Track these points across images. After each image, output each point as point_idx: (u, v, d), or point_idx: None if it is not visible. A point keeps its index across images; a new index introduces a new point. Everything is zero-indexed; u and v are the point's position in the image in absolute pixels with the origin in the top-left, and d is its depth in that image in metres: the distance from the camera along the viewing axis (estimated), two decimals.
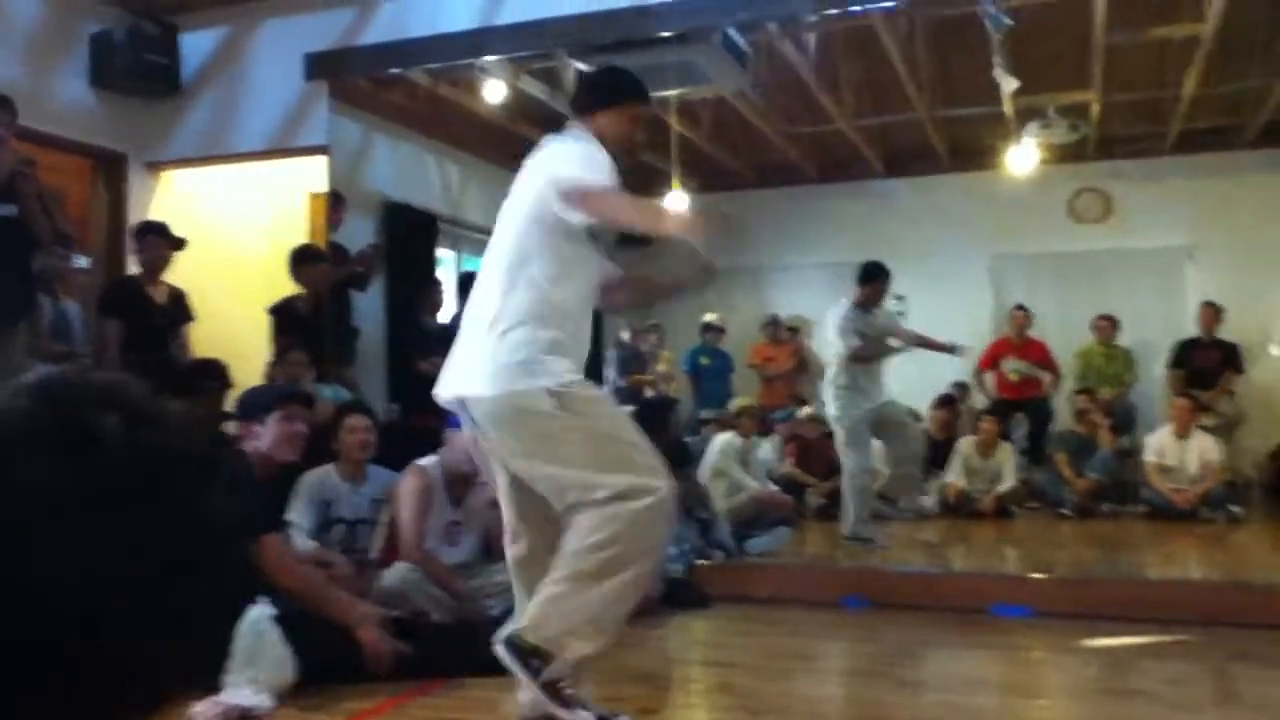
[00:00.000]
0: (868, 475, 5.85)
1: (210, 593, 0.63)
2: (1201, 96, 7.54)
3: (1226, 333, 8.04)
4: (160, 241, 5.30)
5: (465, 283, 7.12)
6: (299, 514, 3.89)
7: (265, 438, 3.33)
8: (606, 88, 2.91)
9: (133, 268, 5.61)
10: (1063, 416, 8.13)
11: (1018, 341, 8.36)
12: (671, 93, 6.46)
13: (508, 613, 3.47)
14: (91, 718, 0.59)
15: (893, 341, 5.96)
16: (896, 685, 3.55)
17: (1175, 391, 7.72)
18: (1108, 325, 8.36)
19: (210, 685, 2.88)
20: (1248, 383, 8.04)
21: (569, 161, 2.67)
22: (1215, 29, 6.27)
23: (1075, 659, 3.86)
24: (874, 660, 3.89)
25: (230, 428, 3.46)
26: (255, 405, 3.42)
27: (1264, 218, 8.45)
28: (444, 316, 6.80)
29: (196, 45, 6.10)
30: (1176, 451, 7.09)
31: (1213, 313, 8.02)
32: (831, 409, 5.82)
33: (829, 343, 5.82)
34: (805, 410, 7.78)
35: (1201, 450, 7.03)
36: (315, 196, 6.12)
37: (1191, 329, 8.14)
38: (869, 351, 5.74)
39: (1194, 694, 3.38)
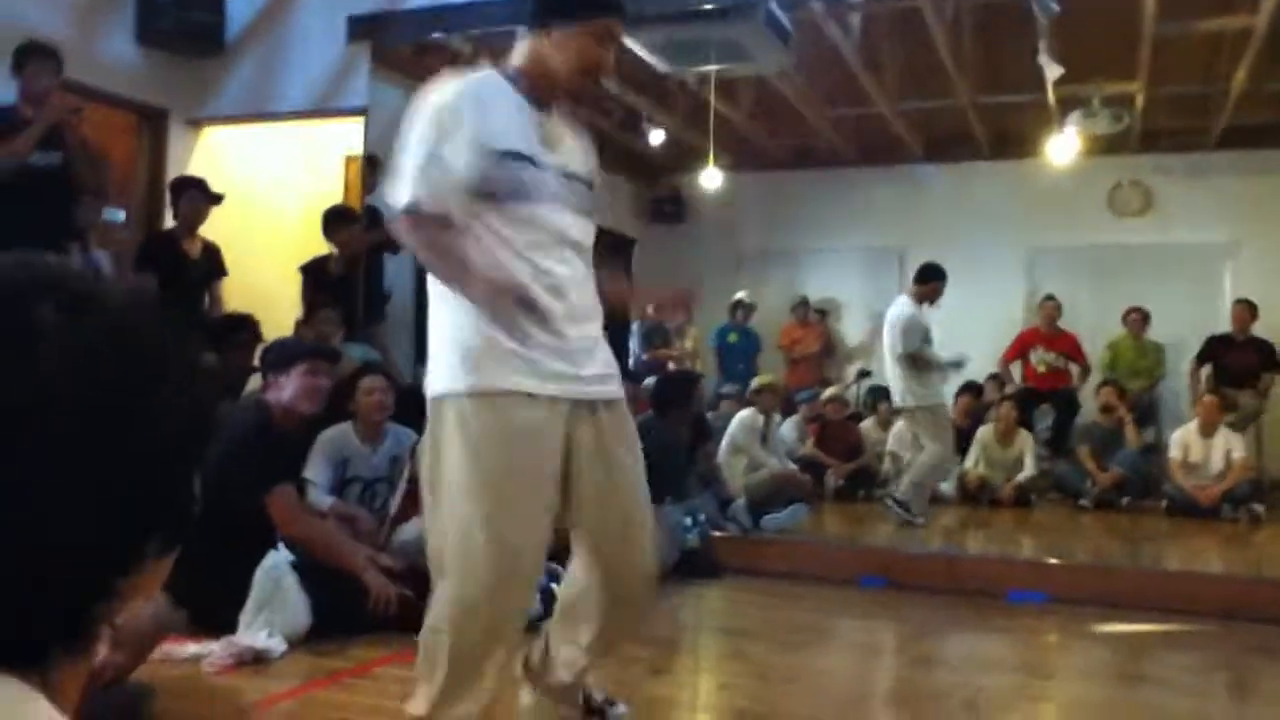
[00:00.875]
0: (947, 465, 6.18)
1: (163, 490, 0.61)
2: (1250, 91, 7.42)
3: (1261, 333, 7.94)
4: (198, 196, 5.37)
5: None
6: (315, 471, 3.93)
7: (287, 390, 3.37)
8: None
9: (170, 222, 5.68)
10: (1089, 408, 8.07)
11: (1047, 332, 8.29)
12: (712, 68, 6.44)
13: None
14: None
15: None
16: (910, 661, 3.57)
17: (1205, 389, 7.63)
18: (1139, 318, 8.28)
19: (225, 626, 2.94)
20: (1275, 383, 7.93)
21: (399, 149, 2.10)
22: (1269, 22, 6.17)
23: (1089, 644, 3.85)
24: (888, 637, 3.90)
25: (255, 380, 3.50)
26: (280, 358, 3.46)
27: None
28: None
29: (242, 4, 6.16)
30: (1201, 448, 7.02)
31: (1247, 311, 7.91)
32: (911, 398, 5.98)
33: (893, 340, 5.96)
34: (829, 391, 7.78)
35: (1226, 448, 6.96)
36: (352, 159, 6.17)
37: (1226, 327, 8.03)
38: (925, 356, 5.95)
39: (1206, 682, 3.37)
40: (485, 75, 2.16)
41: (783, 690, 2.77)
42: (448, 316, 2.09)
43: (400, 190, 2.05)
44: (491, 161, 2.05)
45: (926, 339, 5.95)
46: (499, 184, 2.06)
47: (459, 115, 2.06)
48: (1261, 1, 6.00)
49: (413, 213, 2.05)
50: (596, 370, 2.16)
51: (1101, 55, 6.96)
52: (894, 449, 7.55)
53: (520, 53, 2.18)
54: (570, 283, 2.13)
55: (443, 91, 2.10)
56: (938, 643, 3.88)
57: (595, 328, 2.21)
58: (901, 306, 6.00)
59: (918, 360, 5.87)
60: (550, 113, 2.20)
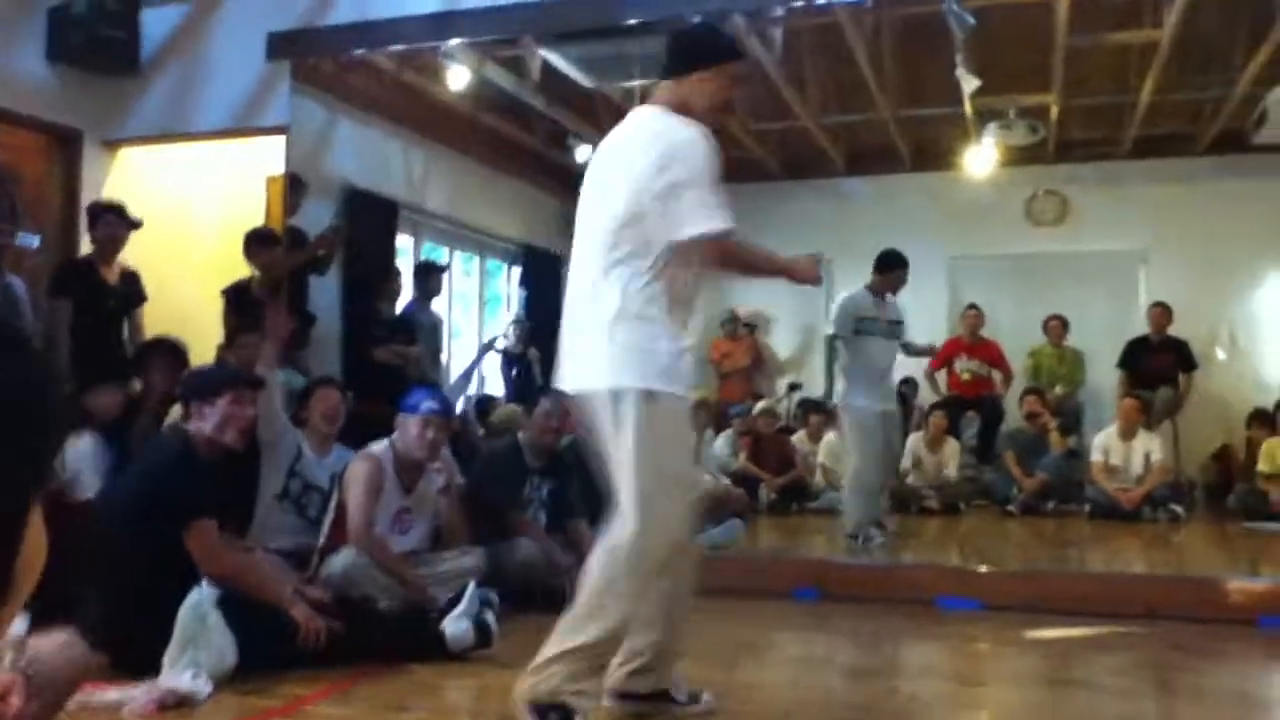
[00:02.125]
0: (872, 475, 5.67)
1: None
2: (1158, 103, 7.66)
3: (1175, 335, 8.17)
4: (116, 221, 5.23)
5: (422, 271, 7.11)
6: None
7: (211, 419, 3.28)
8: (705, 43, 2.70)
9: (86, 247, 5.53)
10: (1013, 415, 8.23)
11: (970, 341, 8.46)
12: (635, 83, 6.46)
13: (454, 600, 3.48)
14: None
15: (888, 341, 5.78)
16: (842, 672, 3.59)
17: (1123, 392, 7.84)
18: (1059, 325, 8.49)
19: (148, 668, 2.86)
20: (1193, 386, 8.18)
21: (687, 180, 2.49)
22: (1173, 37, 6.37)
23: (1020, 650, 3.91)
24: (821, 649, 3.92)
25: (178, 408, 3.40)
26: (203, 387, 3.37)
27: (1216, 224, 8.60)
28: (400, 305, 6.78)
29: (157, 21, 6.03)
30: (1122, 451, 7.21)
31: (1164, 314, 8.15)
32: (844, 397, 5.68)
33: (844, 330, 5.68)
34: (760, 405, 7.83)
35: (1146, 450, 7.15)
36: (273, 179, 6.06)
37: (1141, 331, 8.26)
38: (861, 339, 5.59)
39: (1134, 683, 3.44)
40: (686, 119, 2.56)
41: (717, 708, 2.77)
42: (649, 326, 2.50)
43: (718, 218, 2.49)
44: None
45: (870, 329, 5.62)
46: None
47: (711, 160, 2.54)
48: (1166, 15, 6.19)
49: (729, 237, 2.54)
50: None
51: (1016, 69, 7.12)
52: (825, 461, 7.63)
53: (665, 94, 2.61)
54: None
55: (696, 133, 2.53)
56: (870, 653, 3.91)
57: None
58: (848, 294, 5.74)
59: (852, 348, 5.62)
60: None
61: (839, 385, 5.77)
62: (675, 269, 2.50)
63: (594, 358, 2.52)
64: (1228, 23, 6.71)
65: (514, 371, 7.82)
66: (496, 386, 8.09)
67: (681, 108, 2.55)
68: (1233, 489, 7.30)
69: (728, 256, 2.61)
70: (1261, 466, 6.92)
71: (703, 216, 2.47)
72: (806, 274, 2.86)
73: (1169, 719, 3.00)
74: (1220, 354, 8.66)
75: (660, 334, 2.49)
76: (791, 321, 9.39)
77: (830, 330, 5.67)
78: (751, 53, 6.48)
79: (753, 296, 9.19)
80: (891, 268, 5.69)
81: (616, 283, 2.49)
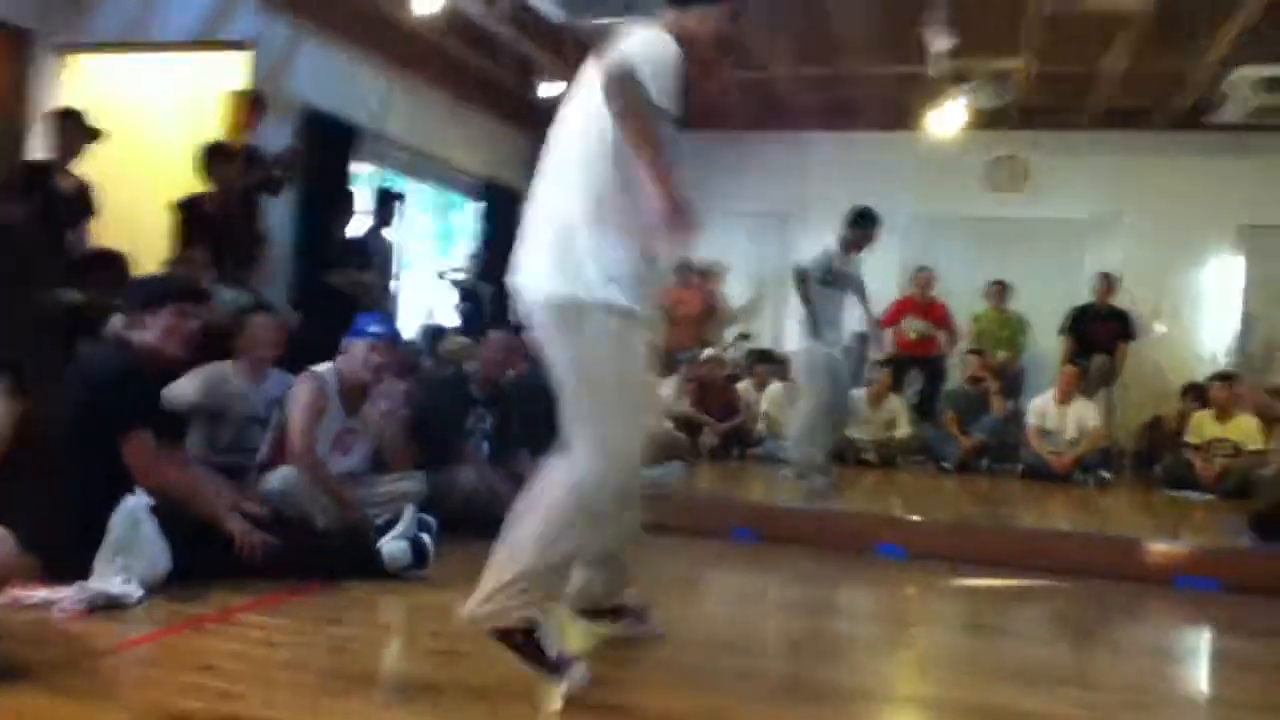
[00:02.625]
0: (821, 413, 5.74)
1: None
2: (1127, 75, 7.72)
3: (1119, 305, 8.32)
4: (75, 130, 5.10)
5: (380, 198, 7.05)
6: (182, 389, 3.88)
7: (153, 330, 3.24)
8: None
9: (36, 153, 5.40)
10: (955, 376, 8.36)
11: (920, 301, 8.56)
12: (608, 20, 6.40)
13: (392, 523, 3.50)
14: None
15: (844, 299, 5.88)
16: (778, 608, 3.68)
17: (1065, 359, 7.99)
18: (999, 290, 8.62)
19: (79, 572, 2.86)
20: (1133, 354, 8.35)
21: (626, 56, 2.34)
22: (1152, 9, 6.39)
23: (947, 597, 4.02)
24: (756, 587, 4.01)
25: (118, 317, 3.35)
26: (147, 297, 3.30)
27: (1168, 198, 8.75)
28: (354, 230, 6.72)
29: None
30: (1057, 416, 7.36)
31: (1109, 284, 8.30)
32: (803, 339, 5.73)
33: (795, 271, 5.73)
34: (708, 352, 7.88)
35: (1081, 417, 7.32)
36: (233, 95, 5.95)
37: (1085, 300, 8.40)
38: (826, 291, 5.67)
39: (1052, 633, 3.56)
40: (673, 40, 2.43)
41: (654, 639, 2.83)
42: (611, 236, 2.36)
43: (641, 77, 2.29)
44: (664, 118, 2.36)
45: (837, 281, 5.70)
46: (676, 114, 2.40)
47: (669, 65, 2.37)
48: None
49: (645, 98, 2.29)
50: None
51: (989, 31, 7.13)
52: (769, 410, 7.72)
53: (666, 24, 2.49)
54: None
55: (659, 38, 2.40)
56: (805, 593, 4.00)
57: None
58: (825, 247, 5.76)
59: (820, 299, 5.65)
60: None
61: (800, 332, 5.77)
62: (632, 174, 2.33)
63: (548, 262, 2.39)
64: (1200, 1, 6.74)
65: (467, 305, 7.80)
66: (450, 318, 8.08)
67: (680, 40, 2.45)
68: (1161, 458, 7.49)
69: (637, 119, 2.29)
70: (1189, 437, 7.10)
71: (627, 66, 2.29)
72: (676, 220, 2.31)
73: (1084, 668, 3.10)
74: (1160, 327, 8.85)
75: (619, 243, 2.36)
76: (746, 272, 9.43)
77: (803, 270, 5.63)
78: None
79: (708, 245, 9.20)
80: (865, 225, 5.70)
81: (580, 187, 2.39)
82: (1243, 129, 7.98)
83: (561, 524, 2.35)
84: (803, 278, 5.63)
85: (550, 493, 2.38)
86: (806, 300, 5.64)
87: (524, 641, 2.33)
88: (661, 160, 2.28)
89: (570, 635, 2.72)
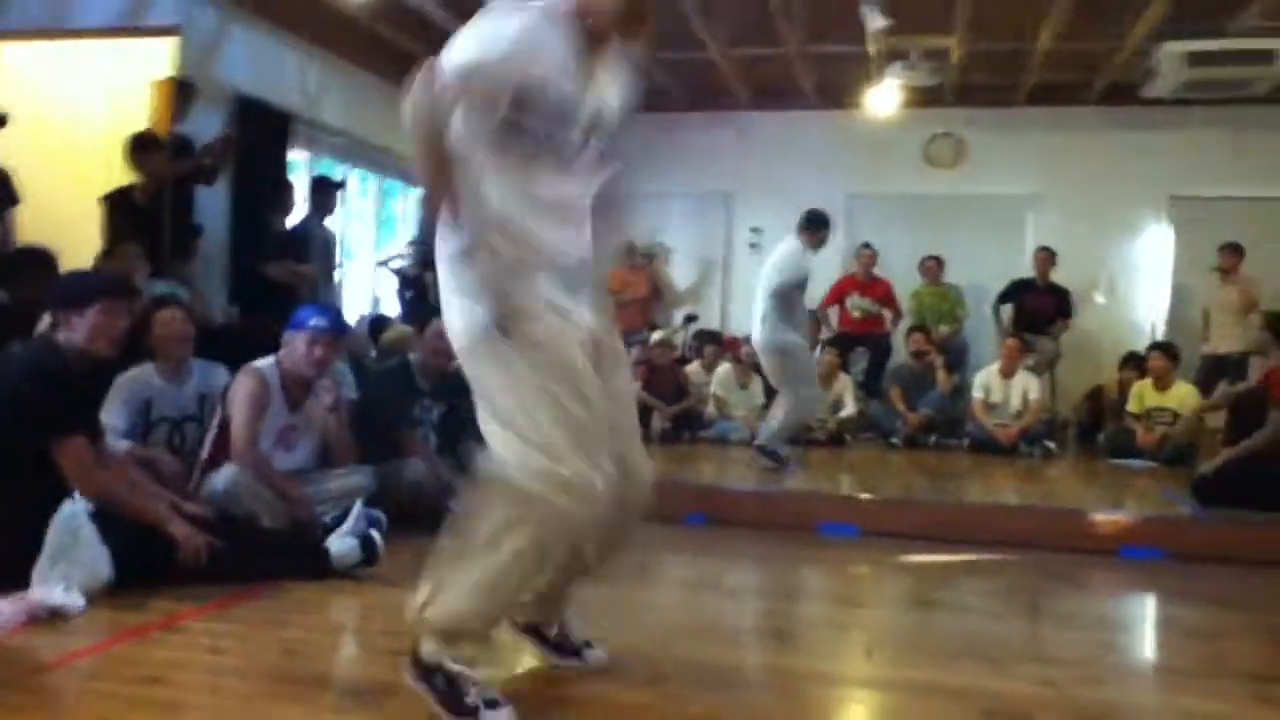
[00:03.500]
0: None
1: None
2: (1056, 51, 7.82)
3: (1059, 279, 8.47)
4: None
5: (318, 186, 6.91)
6: (115, 414, 3.74)
7: (81, 330, 3.12)
8: None
9: None
10: (899, 352, 8.44)
11: (863, 279, 8.63)
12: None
13: (340, 519, 3.44)
14: None
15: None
16: (725, 594, 3.68)
17: (1006, 332, 8.11)
18: (934, 266, 8.73)
19: (18, 583, 2.77)
20: (1073, 327, 8.50)
21: (459, 43, 2.09)
22: None
23: (896, 573, 4.06)
24: (707, 572, 4.00)
25: (46, 317, 3.24)
26: (73, 295, 3.18)
27: (1102, 172, 8.89)
28: (292, 221, 6.60)
29: None
30: (1001, 389, 7.48)
31: (1047, 258, 8.45)
32: (778, 336, 5.84)
33: (770, 273, 5.86)
34: (657, 335, 7.87)
35: (1024, 389, 7.43)
36: (159, 83, 5.79)
37: (1027, 274, 8.53)
38: (798, 290, 5.90)
39: (1001, 605, 3.60)
40: (544, 9, 2.16)
41: (602, 625, 2.80)
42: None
43: (452, 66, 2.04)
44: (531, 95, 2.10)
45: (803, 284, 5.92)
46: (531, 118, 2.12)
47: (519, 42, 2.09)
48: None
49: (452, 88, 2.05)
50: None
51: (921, 10, 7.17)
52: (718, 391, 7.73)
53: None
54: (570, 222, 2.23)
55: (510, 13, 2.12)
56: (755, 576, 4.01)
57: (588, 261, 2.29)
58: (792, 245, 5.89)
59: (791, 297, 5.82)
60: (592, 53, 2.22)
61: (769, 325, 5.84)
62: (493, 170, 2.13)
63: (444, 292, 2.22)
64: None
65: (409, 293, 7.70)
66: (391, 307, 7.97)
67: (583, 10, 2.18)
68: (1103, 428, 7.64)
69: (429, 110, 2.05)
70: (1130, 407, 7.24)
71: (444, 58, 2.06)
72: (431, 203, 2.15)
73: (1033, 639, 3.15)
74: (1098, 298, 9.02)
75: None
76: (690, 253, 9.43)
77: (779, 279, 5.78)
78: None
79: (655, 227, 9.19)
80: (819, 227, 5.92)
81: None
82: (1173, 103, 8.13)
83: (501, 568, 2.10)
84: (779, 291, 5.78)
85: (486, 524, 2.11)
86: (779, 305, 5.79)
87: (444, 687, 2.12)
88: (439, 176, 2.08)
89: (505, 660, 2.48)
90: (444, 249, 2.20)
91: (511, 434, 2.11)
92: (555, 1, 2.18)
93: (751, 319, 6.04)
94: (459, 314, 2.20)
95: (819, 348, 7.86)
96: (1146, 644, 3.39)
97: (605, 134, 2.29)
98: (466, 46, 2.08)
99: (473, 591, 2.12)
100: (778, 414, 6.03)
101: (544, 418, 2.09)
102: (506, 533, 2.08)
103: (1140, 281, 9.13)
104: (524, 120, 2.13)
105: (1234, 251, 7.86)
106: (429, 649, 2.15)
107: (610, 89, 2.29)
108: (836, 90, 8.89)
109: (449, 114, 2.08)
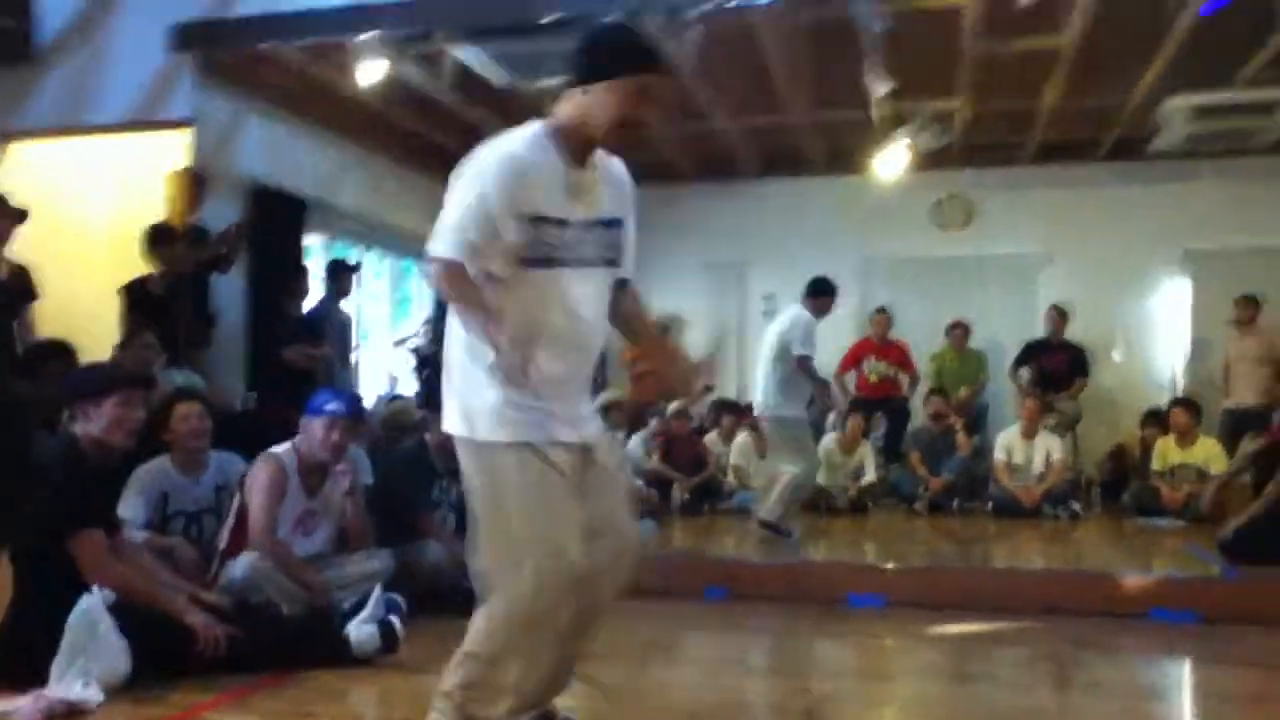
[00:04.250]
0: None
1: None
2: (1060, 109, 7.87)
3: (1074, 337, 8.42)
4: (3, 213, 5.03)
5: (333, 270, 6.98)
6: (131, 509, 3.73)
7: (99, 421, 3.15)
8: (597, 53, 2.29)
9: None
10: (918, 416, 8.39)
11: (879, 343, 8.61)
12: (551, 82, 6.42)
13: (359, 605, 3.42)
14: None
15: None
16: (752, 672, 3.62)
17: (1024, 392, 8.05)
18: (961, 334, 8.70)
19: (36, 678, 2.75)
20: (1092, 385, 8.44)
21: (448, 203, 2.24)
22: (1076, 45, 6.54)
23: (924, 645, 3.98)
24: (732, 649, 3.94)
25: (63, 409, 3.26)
26: (90, 387, 3.21)
27: (1114, 228, 8.89)
28: (308, 305, 6.65)
29: (53, 9, 5.83)
30: (1024, 450, 7.41)
31: (1060, 316, 8.41)
32: (785, 409, 5.83)
33: (787, 345, 5.81)
34: (674, 406, 7.85)
35: (1047, 449, 7.36)
36: (175, 174, 5.91)
37: (1040, 333, 8.50)
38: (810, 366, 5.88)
39: (1032, 676, 3.53)
40: (530, 136, 2.28)
41: (628, 707, 2.76)
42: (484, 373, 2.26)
43: (443, 243, 2.21)
44: (525, 226, 2.21)
45: (808, 353, 5.86)
46: (530, 249, 2.23)
47: (503, 180, 2.20)
48: (1068, 24, 6.37)
49: (451, 266, 2.20)
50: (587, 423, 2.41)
51: (926, 74, 7.24)
52: (737, 462, 7.69)
53: (564, 107, 2.29)
54: (572, 346, 2.34)
55: (492, 152, 2.25)
56: (779, 651, 3.95)
57: (586, 375, 2.43)
58: (800, 313, 5.88)
59: (805, 367, 5.79)
60: (586, 165, 2.31)
61: (775, 397, 5.84)
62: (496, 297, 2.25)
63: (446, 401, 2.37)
64: (1126, 34, 6.92)
65: (426, 372, 7.73)
66: (408, 387, 7.99)
67: (579, 123, 2.27)
68: (1127, 486, 7.54)
69: (449, 290, 2.24)
70: (1154, 465, 7.15)
71: (434, 237, 2.22)
72: (508, 371, 2.21)
73: (1066, 711, 3.08)
74: (1116, 356, 8.96)
75: (483, 380, 2.26)
76: (705, 324, 9.45)
77: (799, 350, 5.75)
78: (668, 55, 6.49)
79: (666, 298, 9.24)
80: (827, 294, 5.94)
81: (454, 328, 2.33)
82: (1182, 156, 8.15)
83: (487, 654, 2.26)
84: (786, 350, 5.74)
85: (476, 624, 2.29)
86: (786, 375, 5.77)
87: None
88: (489, 323, 2.18)
89: None
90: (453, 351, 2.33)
91: (489, 533, 2.29)
92: (541, 124, 2.29)
93: (755, 385, 6.02)
94: (453, 412, 2.34)
95: (832, 415, 7.80)
96: (1183, 712, 3.31)
97: (606, 240, 2.37)
98: (449, 219, 2.21)
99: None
100: (775, 486, 5.92)
101: (514, 522, 2.25)
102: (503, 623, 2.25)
103: (1158, 337, 9.08)
104: (524, 238, 2.22)
105: (1251, 303, 7.81)
106: None
107: (606, 195, 2.37)
108: (845, 156, 8.95)
109: (466, 285, 2.22)
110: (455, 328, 2.31)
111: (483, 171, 2.22)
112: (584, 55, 2.29)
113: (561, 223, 2.26)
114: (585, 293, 2.33)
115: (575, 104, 2.26)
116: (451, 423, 2.34)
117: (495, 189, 2.19)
